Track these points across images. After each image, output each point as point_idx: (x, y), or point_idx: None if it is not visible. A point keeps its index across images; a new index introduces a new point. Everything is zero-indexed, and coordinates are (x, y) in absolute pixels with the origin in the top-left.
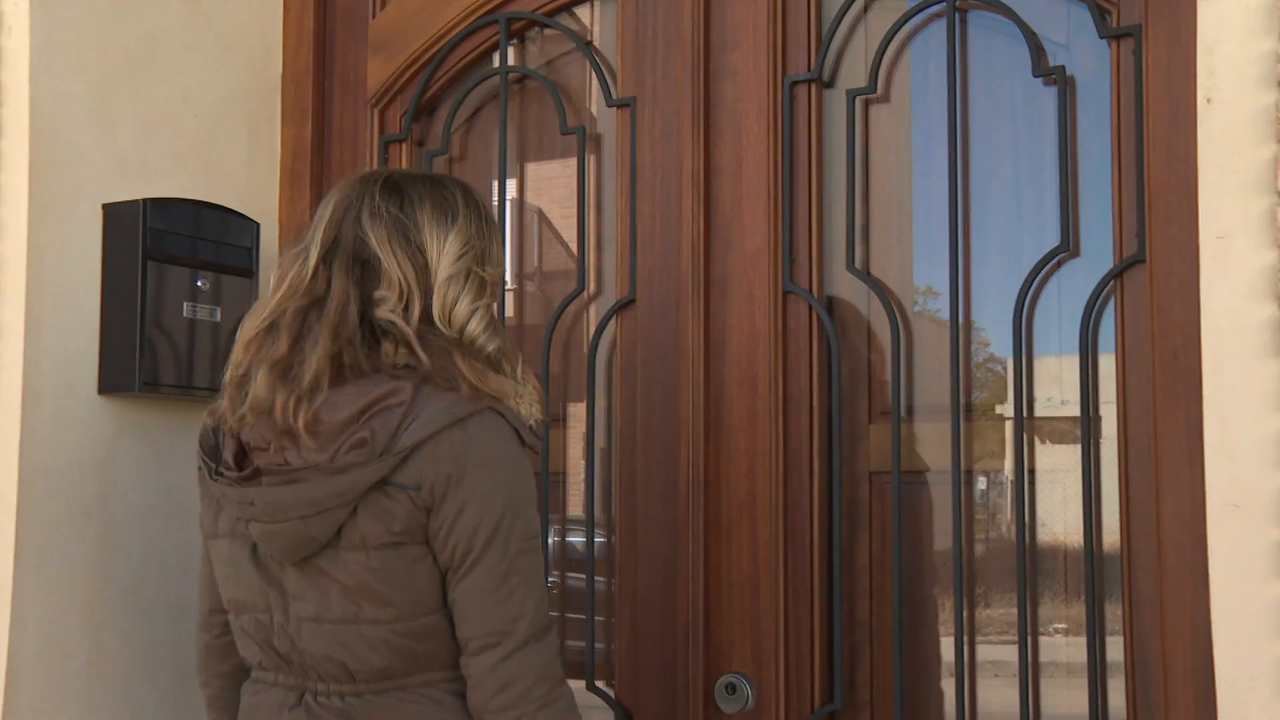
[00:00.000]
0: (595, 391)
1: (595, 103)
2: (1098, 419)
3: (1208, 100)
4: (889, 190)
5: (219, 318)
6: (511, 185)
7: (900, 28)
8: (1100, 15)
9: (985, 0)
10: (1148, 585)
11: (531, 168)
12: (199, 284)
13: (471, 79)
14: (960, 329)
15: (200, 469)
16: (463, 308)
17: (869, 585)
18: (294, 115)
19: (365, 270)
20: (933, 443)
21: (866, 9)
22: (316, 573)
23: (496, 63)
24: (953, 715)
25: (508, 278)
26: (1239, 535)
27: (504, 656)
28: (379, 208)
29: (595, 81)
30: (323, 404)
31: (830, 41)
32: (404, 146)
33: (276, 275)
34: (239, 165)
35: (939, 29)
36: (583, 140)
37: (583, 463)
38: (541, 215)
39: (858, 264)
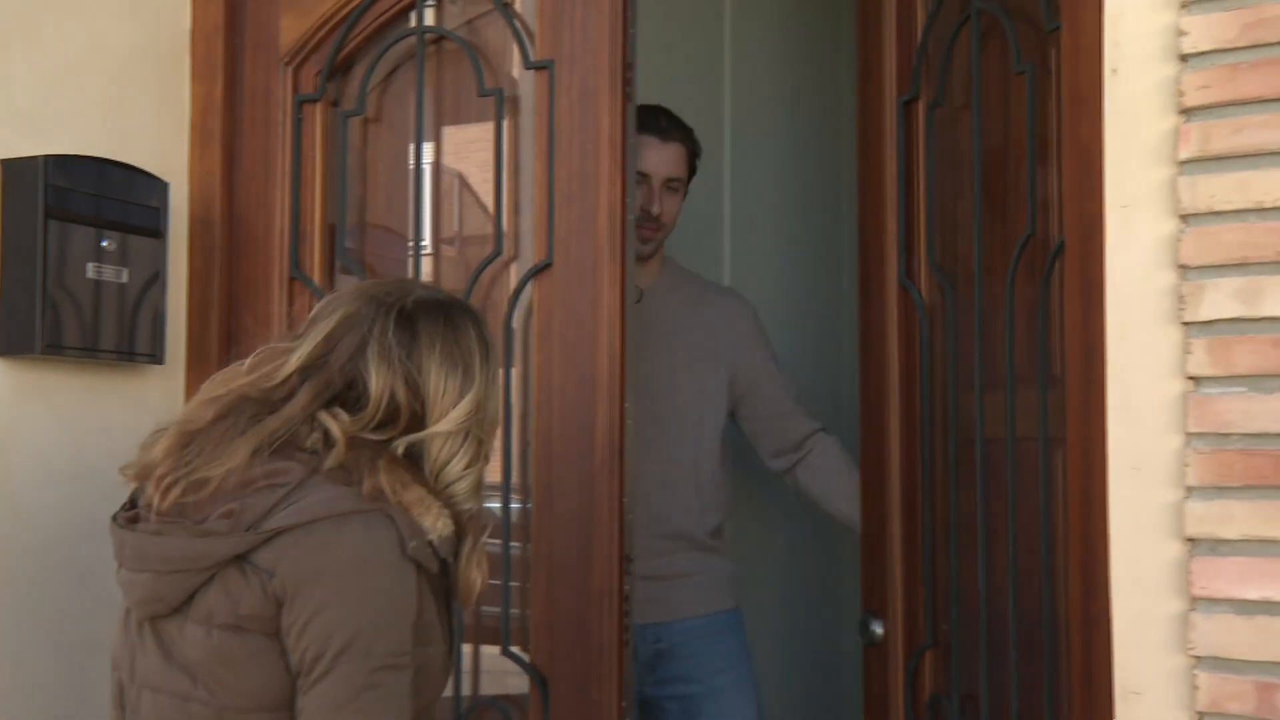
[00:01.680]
0: (512, 356)
1: (515, 65)
2: None
3: (1113, 70)
4: None
5: (125, 279)
6: (431, 149)
7: None
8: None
9: None
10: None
11: (453, 131)
12: (104, 244)
13: (388, 38)
14: None
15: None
16: (455, 467)
17: None
18: (204, 72)
19: (343, 399)
20: None
21: None
22: (164, 639)
23: (414, 22)
24: None
25: (426, 243)
26: (1137, 496)
27: None
28: (389, 346)
29: (515, 43)
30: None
31: None
32: (318, 106)
33: (252, 360)
34: (146, 123)
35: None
36: (500, 102)
37: (500, 428)
38: (462, 179)
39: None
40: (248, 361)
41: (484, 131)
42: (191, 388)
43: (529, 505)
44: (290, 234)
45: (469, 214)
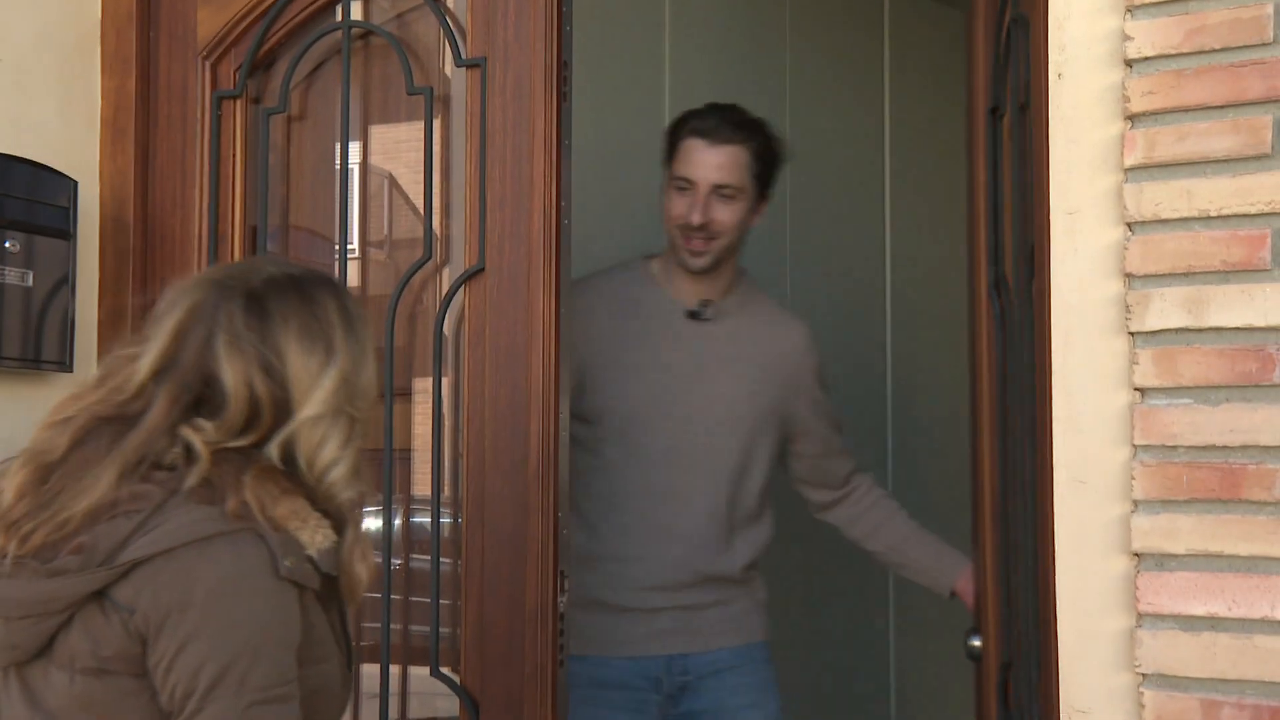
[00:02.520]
0: (442, 364)
1: (446, 62)
2: None
3: (1058, 75)
4: None
5: (30, 282)
6: (358, 148)
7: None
8: None
9: None
10: None
11: (380, 130)
12: (7, 245)
13: (312, 32)
14: None
15: None
16: (327, 453)
17: None
18: (115, 65)
19: (204, 399)
20: None
21: None
22: (29, 686)
23: (340, 16)
24: None
25: (354, 246)
26: (1083, 511)
27: None
28: (239, 332)
29: (446, 39)
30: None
31: None
32: (238, 103)
33: (99, 371)
34: (53, 117)
35: None
36: (430, 101)
37: (429, 439)
38: (391, 180)
39: None
40: (95, 373)
41: (413, 131)
42: None
43: (459, 519)
44: (209, 236)
45: (398, 217)
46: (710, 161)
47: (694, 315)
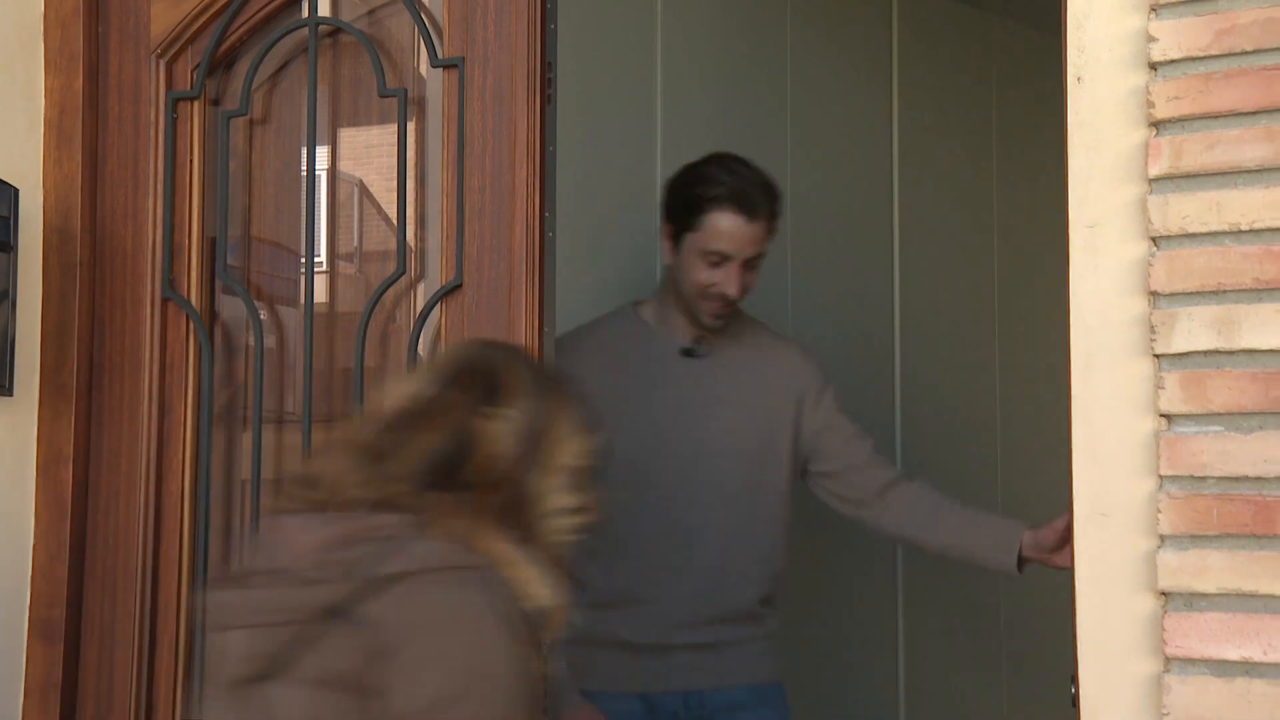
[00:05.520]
0: None
1: (421, 62)
2: None
3: (1078, 79)
4: None
5: None
6: (326, 154)
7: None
8: None
9: None
10: None
11: (350, 134)
12: None
13: (276, 29)
14: None
15: None
16: (553, 507)
17: None
18: (60, 62)
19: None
20: None
21: None
22: (261, 704)
23: (306, 12)
24: None
25: (321, 259)
26: (1105, 546)
27: None
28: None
29: (421, 38)
30: (299, 525)
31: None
32: (196, 105)
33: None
34: None
35: None
36: (403, 104)
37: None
38: (362, 188)
39: None
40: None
41: (386, 135)
42: (45, 420)
43: None
44: (163, 248)
45: (369, 227)
46: (748, 236)
47: (689, 353)
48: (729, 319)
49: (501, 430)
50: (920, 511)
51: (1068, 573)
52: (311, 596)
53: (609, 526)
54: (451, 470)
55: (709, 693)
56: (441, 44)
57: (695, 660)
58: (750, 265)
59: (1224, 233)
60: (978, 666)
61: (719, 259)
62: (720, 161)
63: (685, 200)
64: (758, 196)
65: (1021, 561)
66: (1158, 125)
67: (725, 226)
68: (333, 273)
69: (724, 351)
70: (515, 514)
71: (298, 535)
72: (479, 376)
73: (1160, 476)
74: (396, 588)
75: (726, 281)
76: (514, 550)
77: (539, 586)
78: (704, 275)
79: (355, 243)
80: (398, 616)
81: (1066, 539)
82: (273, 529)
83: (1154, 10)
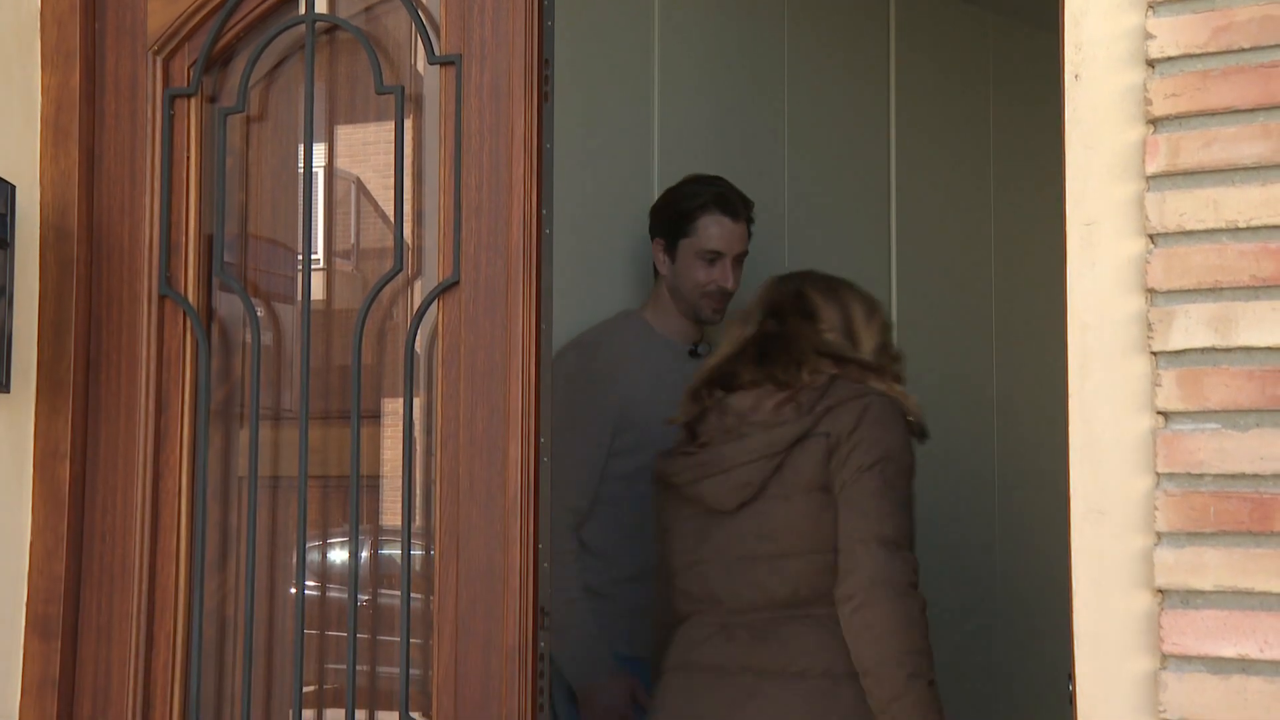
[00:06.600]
0: (414, 385)
1: (419, 59)
2: None
3: (1075, 76)
4: None
5: None
6: (323, 151)
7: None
8: None
9: None
10: None
11: (347, 131)
12: None
13: (273, 26)
14: None
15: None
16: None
17: None
18: (57, 59)
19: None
20: None
21: None
22: (751, 517)
23: (303, 9)
24: None
25: (318, 256)
26: (1102, 544)
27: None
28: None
29: (418, 34)
30: (755, 395)
31: None
32: (193, 102)
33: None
34: None
35: None
36: (400, 101)
37: (400, 465)
38: (359, 185)
39: None
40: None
41: (383, 133)
42: (42, 417)
43: (431, 552)
44: (160, 246)
45: (366, 224)
46: (735, 234)
47: (694, 353)
48: (724, 313)
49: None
50: None
51: (1064, 570)
52: (781, 434)
53: (637, 511)
54: (821, 356)
55: None
56: (439, 41)
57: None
58: (737, 262)
59: (1221, 230)
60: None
61: (713, 256)
62: (697, 179)
63: (675, 213)
64: (737, 200)
65: None
66: (1155, 122)
67: (715, 227)
68: (330, 270)
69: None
70: (877, 368)
71: (760, 400)
72: (793, 302)
73: (1157, 474)
74: (838, 409)
75: (723, 276)
76: (894, 385)
77: (913, 403)
78: (703, 274)
79: (352, 240)
80: (841, 428)
81: None
82: (721, 408)
83: (1151, 7)
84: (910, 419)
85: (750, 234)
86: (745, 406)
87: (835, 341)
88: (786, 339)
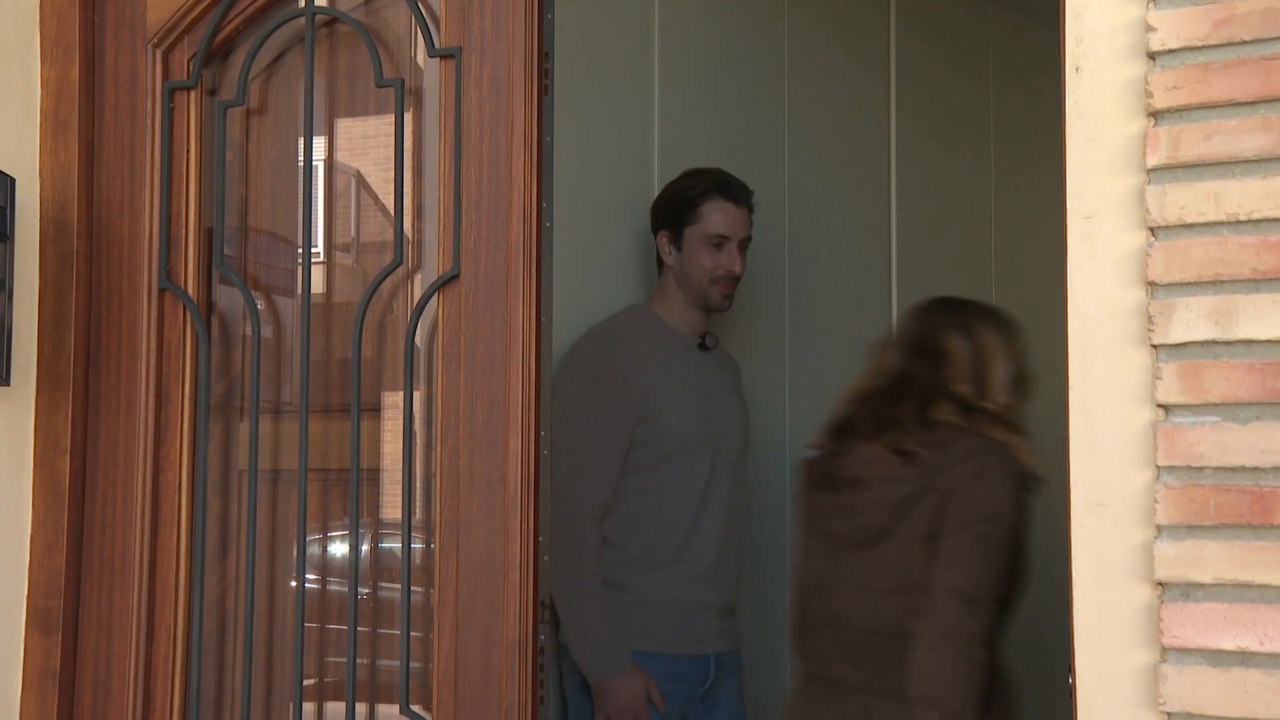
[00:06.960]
0: (414, 378)
1: (419, 52)
2: None
3: (1076, 69)
4: None
5: None
6: (323, 144)
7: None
8: None
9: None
10: None
11: (347, 124)
12: None
13: (273, 19)
14: None
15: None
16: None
17: None
18: (56, 52)
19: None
20: None
21: None
22: (870, 561)
23: (302, 2)
24: None
25: (318, 249)
26: (1102, 537)
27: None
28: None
29: (418, 27)
30: (875, 448)
31: None
32: (192, 95)
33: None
34: None
35: None
36: (401, 94)
37: (400, 458)
38: (359, 179)
39: None
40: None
41: (383, 126)
42: (42, 411)
43: (432, 545)
44: (160, 239)
45: (366, 218)
46: (739, 218)
47: (703, 346)
48: (732, 299)
49: (957, 377)
50: None
51: (1064, 564)
52: (902, 491)
53: (657, 501)
54: (948, 402)
55: (723, 656)
56: (438, 34)
57: (720, 625)
58: (742, 247)
59: (1222, 223)
60: None
61: (720, 241)
62: (695, 171)
63: (679, 203)
64: (737, 185)
65: None
66: (1156, 115)
67: (720, 213)
68: (330, 263)
69: (715, 348)
70: (1002, 419)
71: (880, 453)
72: (926, 342)
73: (1157, 467)
74: (954, 468)
75: (730, 261)
76: (1013, 436)
77: (1030, 456)
78: (710, 260)
79: (352, 233)
80: (954, 484)
81: None
82: (854, 452)
83: (1152, 0)
84: (1025, 474)
85: (752, 221)
86: (873, 456)
87: (962, 392)
88: (916, 388)
